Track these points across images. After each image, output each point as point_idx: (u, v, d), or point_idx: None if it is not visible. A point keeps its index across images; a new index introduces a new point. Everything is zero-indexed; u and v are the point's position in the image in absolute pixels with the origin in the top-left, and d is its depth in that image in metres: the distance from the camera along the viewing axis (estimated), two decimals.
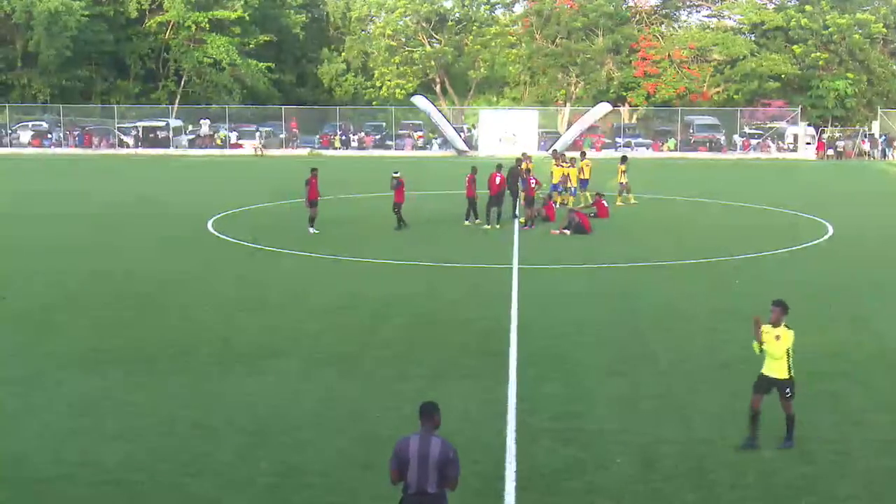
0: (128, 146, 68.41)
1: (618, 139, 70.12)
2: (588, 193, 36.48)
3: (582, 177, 37.10)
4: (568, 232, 29.99)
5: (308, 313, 19.41)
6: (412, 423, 13.15)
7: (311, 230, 29.60)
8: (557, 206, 34.61)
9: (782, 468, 11.73)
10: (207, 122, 71.43)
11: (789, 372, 12.12)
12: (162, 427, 13.02)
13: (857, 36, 73.24)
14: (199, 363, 15.94)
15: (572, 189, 36.30)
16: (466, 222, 31.66)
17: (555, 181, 36.46)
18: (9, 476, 11.42)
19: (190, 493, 11.04)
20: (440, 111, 69.15)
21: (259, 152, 66.13)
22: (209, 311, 19.63)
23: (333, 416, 13.46)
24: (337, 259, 25.64)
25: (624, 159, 38.34)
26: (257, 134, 68.26)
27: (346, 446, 12.33)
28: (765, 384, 12.21)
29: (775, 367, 12.12)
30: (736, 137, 69.75)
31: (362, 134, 71.48)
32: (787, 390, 12.16)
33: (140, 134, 68.88)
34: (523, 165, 34.72)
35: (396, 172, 31.42)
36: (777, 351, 12.06)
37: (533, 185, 32.08)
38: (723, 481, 11.37)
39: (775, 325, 12.11)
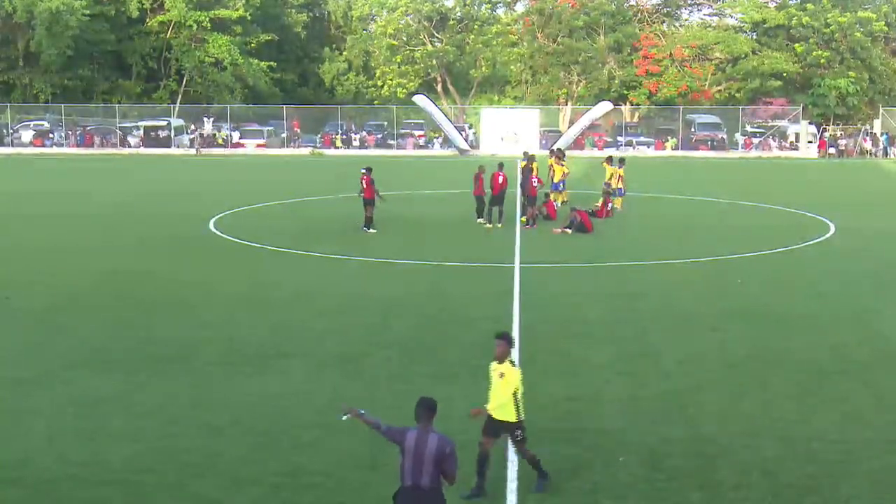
0: (129, 146, 68.45)
1: (619, 138, 70.14)
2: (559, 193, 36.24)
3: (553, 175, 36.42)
4: (570, 231, 30.03)
5: (312, 313, 19.45)
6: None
7: (369, 230, 29.57)
8: (559, 204, 34.61)
9: (786, 468, 11.75)
10: (211, 120, 71.46)
11: (518, 414, 10.81)
12: (168, 427, 13.06)
13: (858, 34, 73.21)
14: (205, 363, 15.98)
15: (620, 190, 36.00)
16: (479, 220, 31.64)
17: (555, 180, 36.43)
18: (15, 476, 11.46)
19: (195, 493, 11.07)
20: (442, 110, 69.16)
21: (198, 152, 65.78)
22: (213, 310, 19.67)
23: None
24: (340, 259, 25.67)
25: (610, 160, 37.76)
26: (198, 133, 67.96)
27: (351, 447, 12.35)
28: (493, 428, 10.95)
29: (502, 410, 10.77)
30: (738, 136, 69.74)
31: (364, 133, 71.52)
32: (518, 433, 10.95)
33: (142, 133, 68.91)
34: (531, 164, 34.69)
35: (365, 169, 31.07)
36: (502, 392, 10.73)
37: (535, 184, 32.08)
38: (727, 481, 11.40)
39: (500, 361, 10.77)
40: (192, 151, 65.83)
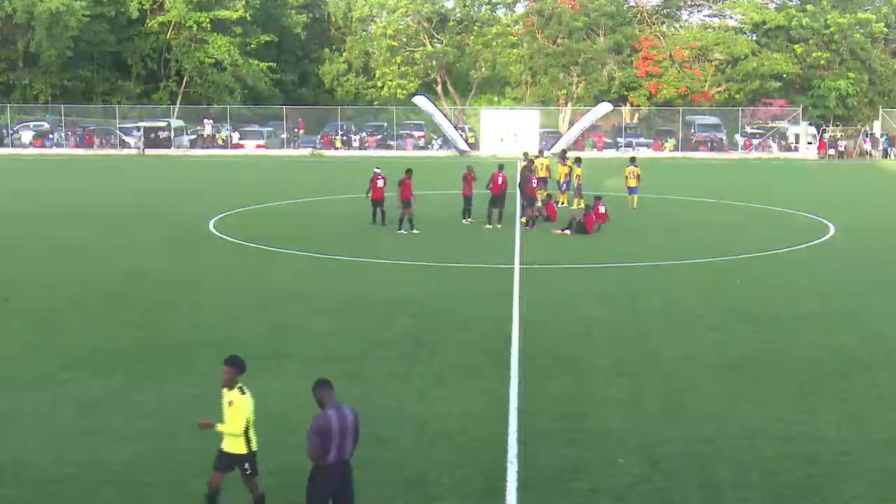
0: (129, 146, 68.49)
1: (619, 139, 70.17)
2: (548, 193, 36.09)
3: (540, 175, 35.92)
4: (569, 232, 30.03)
5: (311, 314, 19.44)
6: (416, 422, 13.24)
7: (401, 231, 29.78)
8: (562, 205, 34.64)
9: (786, 468, 11.74)
10: (210, 122, 71.49)
11: (248, 445, 9.92)
12: (167, 427, 13.05)
13: (858, 35, 73.20)
14: (204, 363, 15.95)
15: (635, 188, 36.22)
16: (464, 220, 31.86)
17: (560, 181, 36.48)
18: (15, 476, 11.46)
19: (195, 493, 11.04)
20: (441, 111, 69.17)
21: (141, 151, 65.84)
22: (213, 311, 19.66)
23: None
24: (339, 259, 25.67)
25: (578, 161, 37.17)
26: (138, 133, 68.04)
27: None
28: (225, 460, 10.04)
29: (232, 441, 9.91)
30: (737, 137, 69.75)
31: (364, 134, 71.55)
32: (247, 466, 9.99)
33: (142, 134, 68.98)
34: (530, 165, 34.77)
35: (377, 168, 31.83)
36: (231, 421, 9.84)
37: (534, 185, 32.09)
38: (726, 481, 11.39)
39: (229, 387, 9.93)
40: (136, 151, 65.89)
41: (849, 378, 15.36)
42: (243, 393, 9.89)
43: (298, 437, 12.67)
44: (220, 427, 9.92)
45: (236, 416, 9.79)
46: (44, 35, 70.77)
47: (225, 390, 9.96)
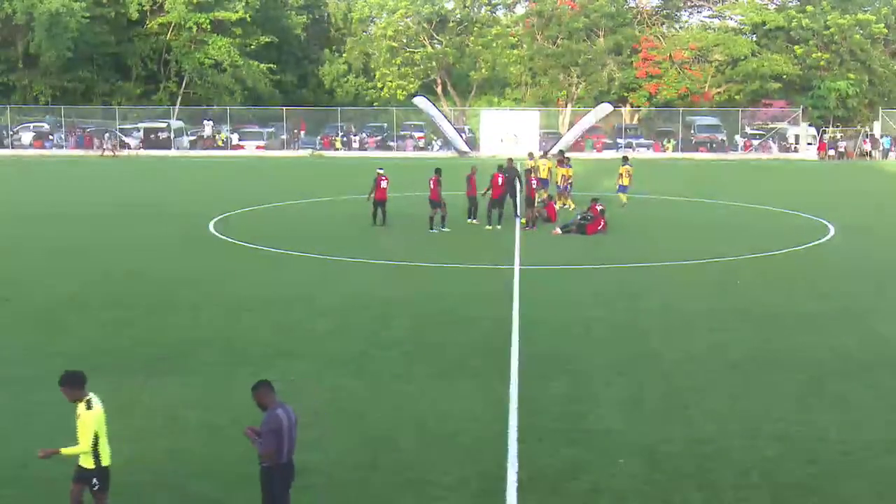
0: (129, 147, 68.53)
1: (619, 140, 70.20)
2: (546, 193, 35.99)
3: (541, 176, 35.78)
4: (559, 230, 30.21)
5: (312, 314, 19.44)
6: (416, 422, 13.24)
7: (432, 230, 29.98)
8: (560, 206, 34.66)
9: (786, 468, 11.74)
10: (210, 123, 71.53)
11: (97, 460, 9.69)
12: (167, 427, 13.05)
13: (857, 36, 73.25)
14: (205, 364, 15.97)
15: (624, 187, 36.54)
16: (469, 221, 31.87)
17: (560, 183, 36.51)
18: (14, 476, 11.47)
19: (194, 493, 11.08)
20: (441, 112, 69.18)
21: (109, 153, 65.87)
22: (213, 311, 19.65)
23: (338, 417, 13.48)
24: (340, 260, 25.67)
25: (564, 162, 36.84)
26: (106, 135, 68.04)
27: (351, 447, 12.34)
28: (78, 472, 9.89)
29: (83, 455, 9.73)
30: (737, 138, 69.82)
31: (364, 135, 71.57)
32: (95, 481, 9.76)
33: (142, 135, 69.00)
34: (529, 164, 34.90)
35: (381, 169, 32.01)
36: (80, 435, 9.61)
37: (534, 186, 32.11)
38: (727, 481, 11.38)
39: (77, 400, 9.70)
40: (100, 153, 65.97)
41: (849, 378, 15.35)
42: (90, 408, 9.62)
43: (298, 437, 12.67)
44: (64, 450, 9.73)
45: (83, 430, 9.59)
46: (44, 36, 70.77)
47: (76, 404, 9.70)
